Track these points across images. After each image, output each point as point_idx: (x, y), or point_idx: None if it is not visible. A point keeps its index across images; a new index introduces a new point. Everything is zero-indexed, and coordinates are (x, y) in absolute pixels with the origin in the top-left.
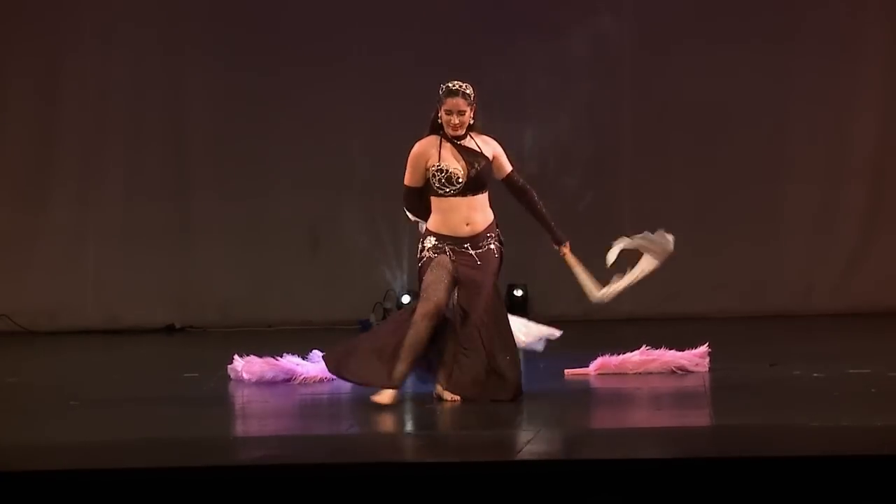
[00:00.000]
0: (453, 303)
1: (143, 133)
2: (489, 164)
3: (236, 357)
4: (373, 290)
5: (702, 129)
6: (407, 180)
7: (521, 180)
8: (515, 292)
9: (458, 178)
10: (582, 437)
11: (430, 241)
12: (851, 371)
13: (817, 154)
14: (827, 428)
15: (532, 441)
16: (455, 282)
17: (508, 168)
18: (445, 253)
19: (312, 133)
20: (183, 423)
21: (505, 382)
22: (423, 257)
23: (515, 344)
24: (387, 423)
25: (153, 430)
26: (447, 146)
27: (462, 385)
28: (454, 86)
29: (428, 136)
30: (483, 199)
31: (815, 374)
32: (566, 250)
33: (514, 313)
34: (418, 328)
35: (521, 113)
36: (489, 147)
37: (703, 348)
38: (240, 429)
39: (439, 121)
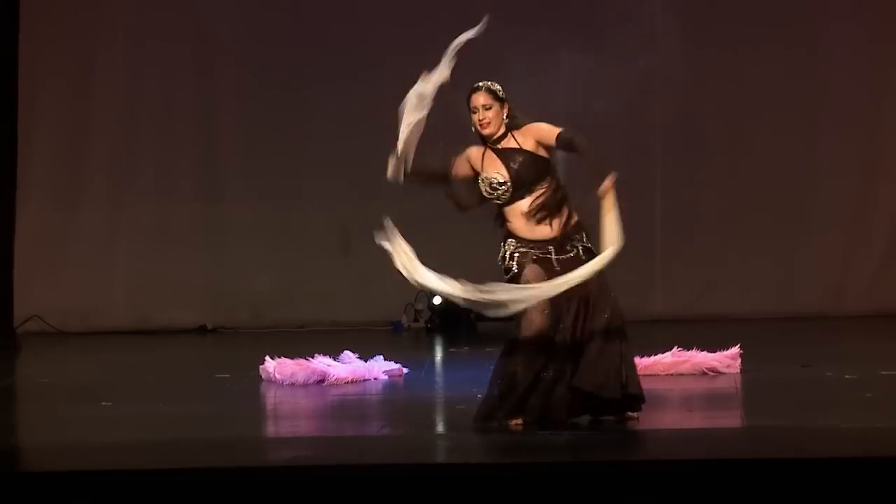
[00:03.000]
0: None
1: (174, 133)
2: (530, 156)
3: (268, 358)
4: (404, 292)
5: (733, 130)
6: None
7: (570, 136)
8: None
9: (500, 181)
10: (613, 439)
11: (510, 245)
12: (884, 372)
13: (848, 155)
14: (859, 429)
15: (564, 442)
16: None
17: (555, 131)
18: (529, 261)
19: (344, 133)
20: (214, 424)
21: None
22: (509, 268)
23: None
24: (418, 424)
25: (184, 431)
26: (489, 154)
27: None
28: (476, 84)
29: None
30: (549, 198)
31: (847, 376)
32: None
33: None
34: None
35: (552, 112)
36: (529, 136)
37: (735, 349)
38: (271, 430)
39: (473, 129)
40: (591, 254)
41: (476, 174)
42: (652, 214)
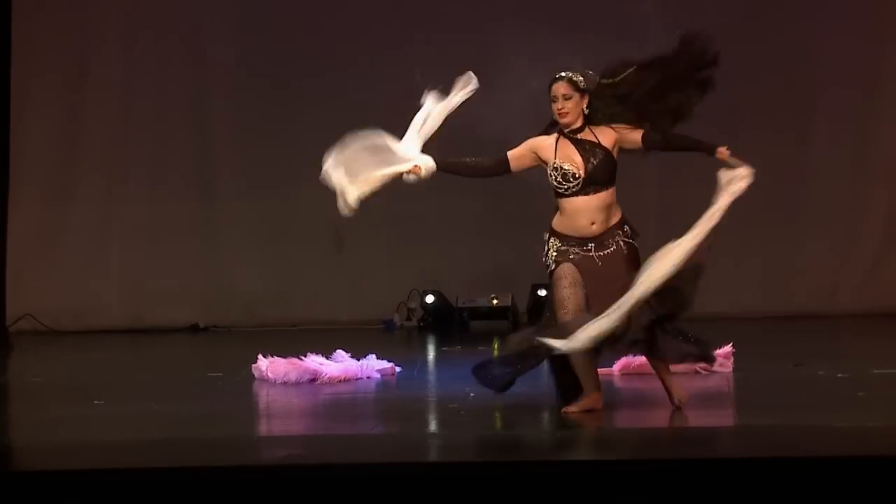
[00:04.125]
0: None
1: (167, 132)
2: (608, 155)
3: (260, 357)
4: (397, 290)
5: (725, 129)
6: (511, 152)
7: (658, 135)
8: (539, 292)
9: (575, 174)
10: (606, 438)
11: (554, 244)
12: (876, 371)
13: (842, 154)
14: (851, 428)
15: (557, 441)
16: (584, 293)
17: (639, 133)
18: (570, 258)
19: (337, 132)
20: (207, 423)
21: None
22: (549, 264)
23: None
24: (410, 423)
25: (177, 430)
26: (564, 142)
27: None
28: (557, 73)
29: (546, 133)
30: (607, 195)
31: (839, 375)
32: (724, 152)
33: (538, 314)
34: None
35: (546, 110)
36: (608, 135)
37: (727, 348)
38: (263, 428)
39: (554, 117)
40: (632, 248)
41: (542, 162)
42: (645, 214)
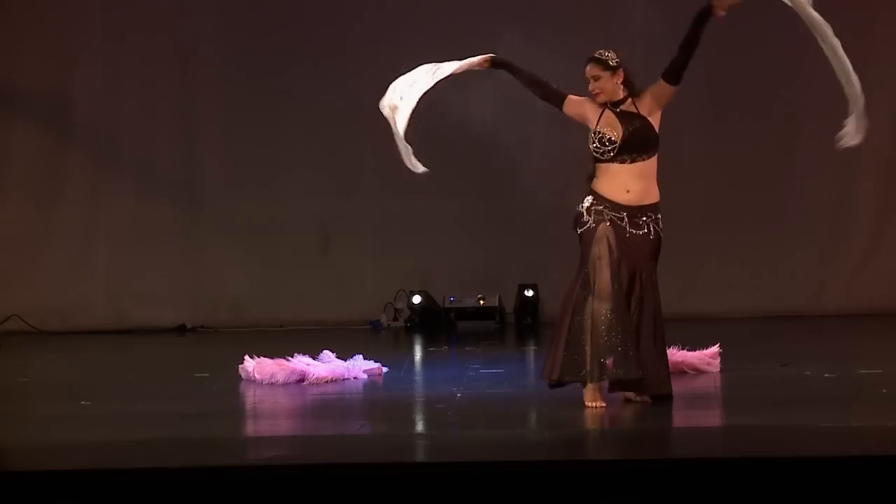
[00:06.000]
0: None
1: (154, 133)
2: (646, 124)
3: (247, 357)
4: (384, 290)
5: (712, 127)
6: (571, 97)
7: (670, 62)
8: (526, 292)
9: (613, 139)
10: (592, 438)
11: (588, 201)
12: (862, 371)
13: (829, 153)
14: (838, 428)
15: (544, 441)
16: (616, 258)
17: (659, 79)
18: (604, 220)
19: (323, 133)
20: (194, 424)
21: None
22: (584, 222)
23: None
24: (397, 423)
25: (164, 431)
26: (608, 112)
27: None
28: (591, 55)
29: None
30: (645, 167)
31: (826, 375)
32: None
33: (525, 314)
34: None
35: (533, 109)
36: (646, 103)
37: (715, 348)
38: (250, 429)
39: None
40: (658, 238)
41: (585, 123)
42: None
